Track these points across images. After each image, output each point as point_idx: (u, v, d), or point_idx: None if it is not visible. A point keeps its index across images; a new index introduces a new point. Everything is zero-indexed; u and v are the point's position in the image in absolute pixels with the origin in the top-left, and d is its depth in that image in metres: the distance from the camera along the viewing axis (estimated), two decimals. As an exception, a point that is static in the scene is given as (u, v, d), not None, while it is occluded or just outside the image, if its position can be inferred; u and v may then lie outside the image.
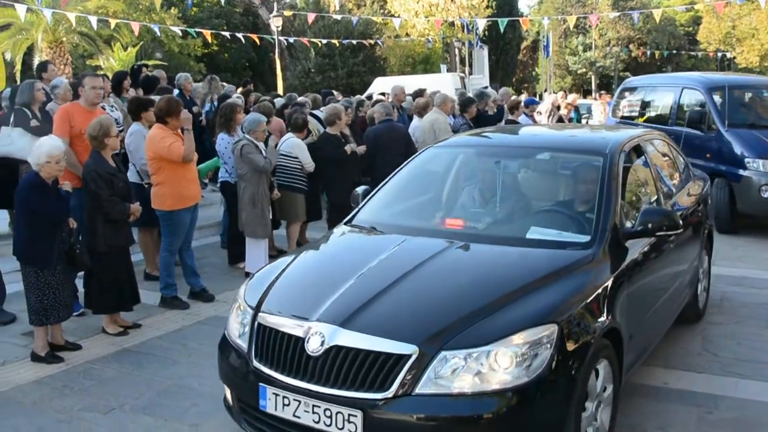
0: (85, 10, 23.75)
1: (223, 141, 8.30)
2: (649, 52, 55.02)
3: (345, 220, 5.16)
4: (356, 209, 5.27)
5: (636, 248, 4.52)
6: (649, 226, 4.40)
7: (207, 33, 25.64)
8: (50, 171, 5.58)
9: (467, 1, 34.73)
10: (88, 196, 6.10)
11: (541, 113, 15.62)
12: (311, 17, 28.12)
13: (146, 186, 7.40)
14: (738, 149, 10.14)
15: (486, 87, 19.07)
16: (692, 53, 55.40)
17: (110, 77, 9.95)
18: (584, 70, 59.53)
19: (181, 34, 25.29)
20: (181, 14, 33.72)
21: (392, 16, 33.10)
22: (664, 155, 6.22)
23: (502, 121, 12.10)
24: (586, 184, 4.78)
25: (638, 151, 5.40)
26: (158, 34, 25.11)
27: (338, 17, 30.54)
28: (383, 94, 15.56)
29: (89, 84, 7.10)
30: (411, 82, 17.31)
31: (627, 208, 4.68)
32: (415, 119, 10.67)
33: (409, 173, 5.54)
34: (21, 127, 7.66)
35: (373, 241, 4.77)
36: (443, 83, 21.06)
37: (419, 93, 12.72)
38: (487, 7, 35.40)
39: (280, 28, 26.30)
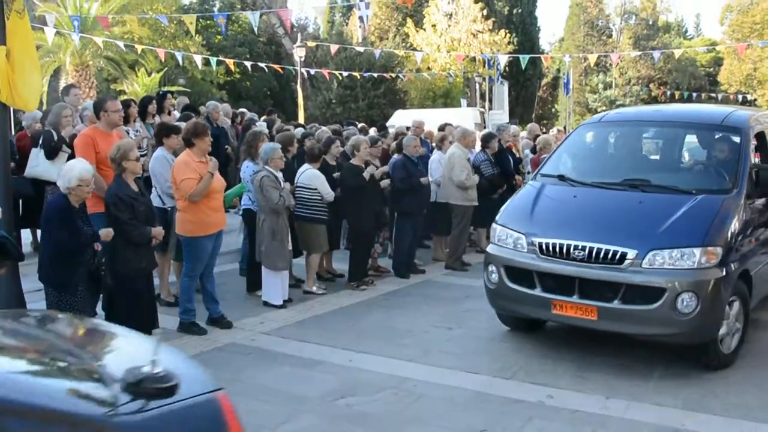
0: (112, 35, 24.13)
1: (248, 169, 8.35)
2: (669, 92, 55.03)
3: None
4: None
5: None
6: None
7: (230, 62, 25.96)
8: (80, 194, 5.65)
9: (489, 37, 35.07)
10: (110, 219, 6.15)
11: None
12: (334, 49, 28.40)
13: (169, 209, 7.48)
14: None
15: (508, 122, 19.11)
16: (713, 94, 55.34)
17: (137, 102, 10.06)
18: (604, 108, 59.50)
19: (203, 62, 25.60)
20: (204, 42, 34.13)
21: (414, 50, 33.40)
22: None
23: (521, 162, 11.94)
24: None
25: None
26: (182, 61, 25.40)
27: (361, 49, 30.80)
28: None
29: (112, 108, 7.16)
30: (431, 116, 17.42)
31: None
32: (436, 152, 10.71)
33: None
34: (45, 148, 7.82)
35: None
36: (463, 117, 21.19)
37: (442, 128, 12.75)
38: (509, 43, 35.73)
39: (303, 59, 26.53)
